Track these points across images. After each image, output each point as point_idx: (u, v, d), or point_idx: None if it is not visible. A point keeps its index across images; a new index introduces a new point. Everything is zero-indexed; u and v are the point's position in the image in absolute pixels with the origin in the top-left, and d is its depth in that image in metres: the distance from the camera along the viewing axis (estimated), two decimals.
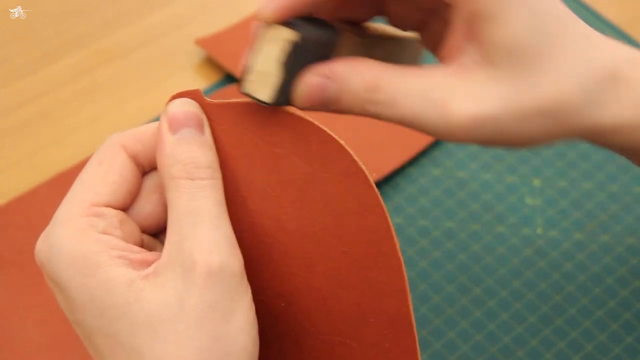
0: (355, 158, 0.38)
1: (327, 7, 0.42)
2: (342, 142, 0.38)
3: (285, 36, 0.37)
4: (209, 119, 0.39)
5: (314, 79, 0.38)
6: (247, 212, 0.39)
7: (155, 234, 0.40)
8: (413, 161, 0.62)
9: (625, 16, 0.71)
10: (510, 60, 0.38)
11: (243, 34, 0.69)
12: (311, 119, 0.38)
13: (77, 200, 0.38)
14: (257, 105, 0.38)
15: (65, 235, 0.37)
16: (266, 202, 0.39)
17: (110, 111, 0.66)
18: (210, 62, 0.69)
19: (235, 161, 0.39)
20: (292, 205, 0.39)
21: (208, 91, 0.67)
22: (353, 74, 0.38)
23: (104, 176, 0.38)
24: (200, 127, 0.38)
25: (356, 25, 0.44)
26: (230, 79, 0.67)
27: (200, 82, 0.67)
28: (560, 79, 0.38)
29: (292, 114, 0.38)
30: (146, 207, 0.39)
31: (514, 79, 0.38)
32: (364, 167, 0.38)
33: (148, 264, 0.37)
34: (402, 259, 0.38)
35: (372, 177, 0.38)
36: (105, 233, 0.37)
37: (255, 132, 0.39)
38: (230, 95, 0.64)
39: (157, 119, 0.65)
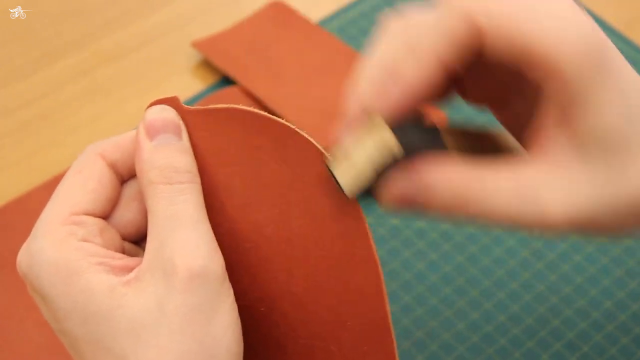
0: None
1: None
2: (319, 146, 0.38)
3: (390, 145, 0.36)
4: (187, 125, 0.39)
5: (402, 187, 0.37)
6: (226, 217, 0.40)
7: (136, 241, 0.41)
8: None
9: (623, 18, 0.71)
10: (603, 149, 0.36)
11: (239, 36, 0.69)
12: (290, 124, 0.38)
13: (56, 209, 0.38)
14: (235, 111, 0.38)
15: (46, 244, 0.37)
16: (245, 207, 0.39)
17: (110, 112, 0.67)
18: (207, 64, 0.69)
19: (213, 167, 0.39)
20: (270, 210, 0.39)
21: (205, 93, 0.67)
22: (440, 181, 0.37)
23: (83, 185, 0.38)
24: (177, 133, 0.39)
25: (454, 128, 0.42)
26: (226, 81, 0.67)
27: (197, 84, 0.68)
28: None
29: (270, 120, 0.38)
30: (126, 214, 0.40)
31: (607, 170, 0.36)
32: None
33: (129, 269, 0.37)
34: (378, 261, 0.38)
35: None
36: (85, 241, 0.37)
37: (233, 137, 0.39)
38: (226, 98, 0.64)
39: None
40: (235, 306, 0.37)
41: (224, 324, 0.37)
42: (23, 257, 0.38)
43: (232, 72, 0.66)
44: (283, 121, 0.38)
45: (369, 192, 0.38)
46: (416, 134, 0.37)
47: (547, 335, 0.55)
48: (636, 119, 0.36)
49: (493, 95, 0.41)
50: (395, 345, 0.39)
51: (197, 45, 0.68)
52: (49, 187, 0.61)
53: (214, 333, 0.36)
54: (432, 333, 0.55)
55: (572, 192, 0.36)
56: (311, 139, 0.38)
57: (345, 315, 0.40)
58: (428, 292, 0.57)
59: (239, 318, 0.37)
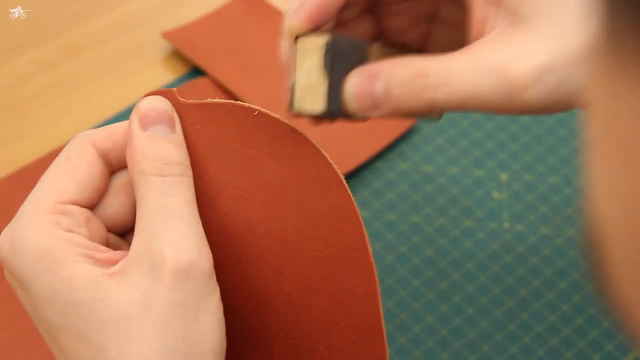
0: (330, 162, 0.38)
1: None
2: (317, 145, 0.38)
3: (320, 42, 0.37)
4: (181, 118, 0.39)
5: (361, 79, 0.38)
6: (217, 213, 0.39)
7: (121, 234, 0.40)
8: (380, 155, 0.62)
9: None
10: (541, 11, 0.38)
11: (210, 27, 0.68)
12: (287, 121, 0.38)
13: (42, 196, 0.37)
14: (232, 106, 0.38)
15: (30, 231, 0.36)
16: (237, 203, 0.39)
17: (76, 105, 0.66)
18: (177, 55, 0.68)
19: (206, 162, 0.39)
20: (263, 208, 0.39)
21: (175, 84, 0.66)
22: (398, 67, 0.38)
23: (72, 173, 0.38)
24: (171, 125, 0.38)
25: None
26: (197, 71, 0.67)
27: (167, 75, 0.67)
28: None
29: (268, 117, 0.38)
30: (113, 206, 0.39)
31: (552, 27, 0.38)
32: (339, 171, 0.38)
33: (113, 262, 0.37)
34: (374, 264, 0.38)
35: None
36: (70, 231, 0.37)
37: (228, 133, 0.38)
38: (196, 88, 0.64)
39: (124, 113, 0.65)
40: (220, 305, 0.37)
41: (209, 323, 0.36)
42: (4, 242, 0.37)
43: (203, 63, 0.66)
44: (282, 119, 0.38)
45: (343, 110, 0.38)
46: (344, 37, 0.39)
47: (516, 328, 0.55)
48: None
49: (415, 32, 0.44)
50: (386, 349, 0.39)
51: (167, 35, 0.68)
52: (11, 180, 0.60)
53: (198, 331, 0.36)
54: (401, 326, 0.55)
55: (526, 51, 0.38)
56: (310, 138, 0.38)
57: (336, 317, 0.39)
58: (397, 285, 0.57)
59: (223, 317, 0.37)
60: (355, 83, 0.38)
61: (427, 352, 0.54)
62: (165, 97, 0.39)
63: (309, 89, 0.38)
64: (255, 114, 0.38)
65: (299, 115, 0.38)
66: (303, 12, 0.38)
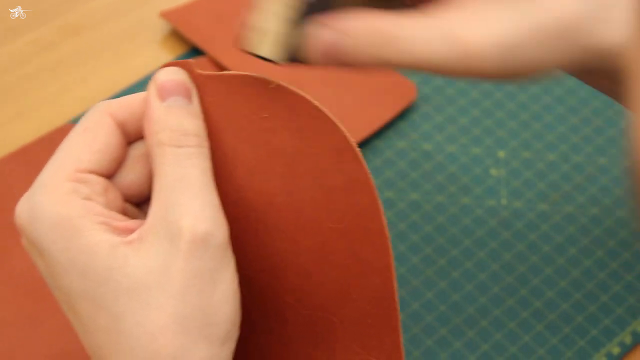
0: (346, 134, 0.38)
1: None
2: (333, 117, 0.38)
3: None
4: (199, 90, 0.39)
5: (326, 34, 0.38)
6: (233, 185, 0.39)
7: (137, 203, 0.40)
8: (378, 133, 0.63)
9: None
10: None
11: (209, 7, 0.68)
12: (304, 94, 0.38)
13: (61, 165, 0.38)
14: (249, 78, 0.38)
15: (48, 199, 0.37)
16: (253, 175, 0.39)
17: (75, 86, 0.66)
18: (176, 35, 0.68)
19: (223, 134, 0.39)
20: (280, 180, 0.39)
21: None
22: (360, 22, 0.38)
23: (90, 143, 0.38)
24: (188, 96, 0.38)
25: None
26: (195, 51, 0.67)
27: (166, 55, 0.67)
28: None
29: (284, 88, 0.38)
30: (129, 175, 0.39)
31: (518, 2, 0.38)
32: (354, 144, 0.38)
33: (131, 231, 0.37)
34: (389, 236, 0.38)
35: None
36: (88, 199, 0.37)
37: (245, 105, 0.38)
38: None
39: (123, 92, 0.65)
40: (236, 275, 0.37)
41: (224, 292, 0.36)
42: (22, 210, 0.37)
43: (201, 43, 0.66)
44: (297, 90, 0.38)
45: (296, 57, 0.38)
46: None
47: (514, 303, 0.55)
48: None
49: None
50: (399, 320, 0.39)
51: (166, 15, 0.68)
52: (13, 159, 0.60)
53: (214, 300, 0.36)
54: (401, 302, 0.55)
55: (485, 23, 0.38)
56: (325, 110, 0.38)
57: (351, 288, 0.39)
58: (396, 262, 0.57)
59: (238, 288, 0.37)
60: (322, 38, 0.38)
61: (426, 328, 0.54)
62: (183, 68, 0.39)
63: (272, 35, 0.37)
64: (272, 86, 0.38)
65: (251, 54, 0.38)
66: None
